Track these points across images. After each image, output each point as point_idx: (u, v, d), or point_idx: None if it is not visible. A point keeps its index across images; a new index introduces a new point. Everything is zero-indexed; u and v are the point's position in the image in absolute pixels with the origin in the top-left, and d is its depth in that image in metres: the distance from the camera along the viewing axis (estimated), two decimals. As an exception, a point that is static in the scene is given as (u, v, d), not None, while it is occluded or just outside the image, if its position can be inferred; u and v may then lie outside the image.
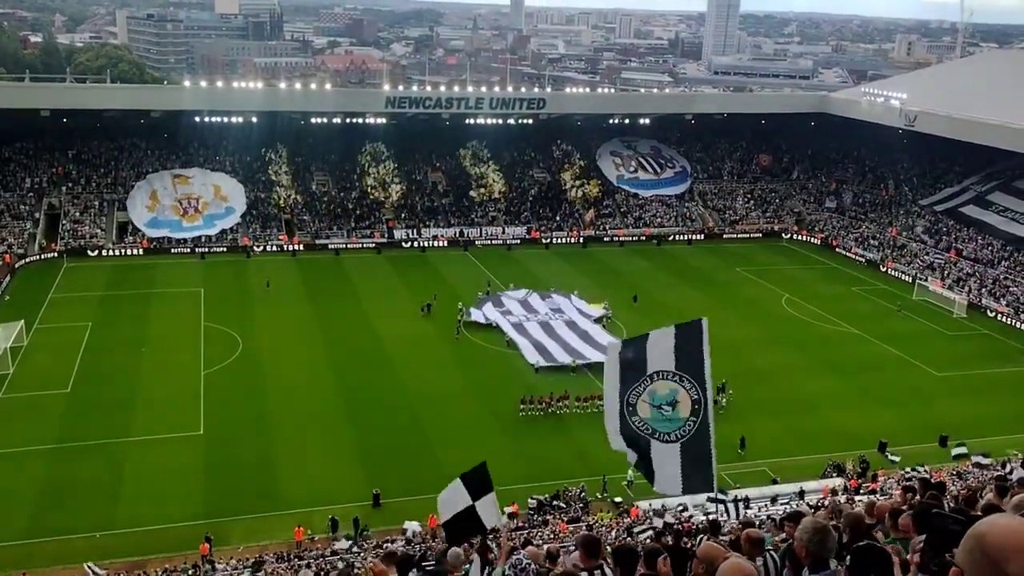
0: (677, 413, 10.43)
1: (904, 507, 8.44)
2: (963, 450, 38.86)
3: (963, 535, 2.31)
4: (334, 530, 32.61)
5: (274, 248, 70.98)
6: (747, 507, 32.12)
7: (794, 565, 5.87)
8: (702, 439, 10.40)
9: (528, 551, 10.10)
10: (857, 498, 26.83)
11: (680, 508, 32.16)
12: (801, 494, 33.93)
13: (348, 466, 37.61)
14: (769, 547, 8.20)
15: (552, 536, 28.61)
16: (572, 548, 11.03)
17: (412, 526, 32.26)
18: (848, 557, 4.87)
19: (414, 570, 8.90)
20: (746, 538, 7.71)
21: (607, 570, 7.08)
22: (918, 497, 10.08)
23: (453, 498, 9.71)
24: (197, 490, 35.34)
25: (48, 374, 45.52)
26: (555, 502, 34.88)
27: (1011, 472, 28.91)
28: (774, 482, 36.39)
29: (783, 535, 10.04)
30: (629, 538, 25.60)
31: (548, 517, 33.67)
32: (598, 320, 56.01)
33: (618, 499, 35.30)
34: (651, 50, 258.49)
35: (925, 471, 34.25)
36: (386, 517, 33.62)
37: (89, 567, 29.25)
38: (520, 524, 32.36)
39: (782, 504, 32.12)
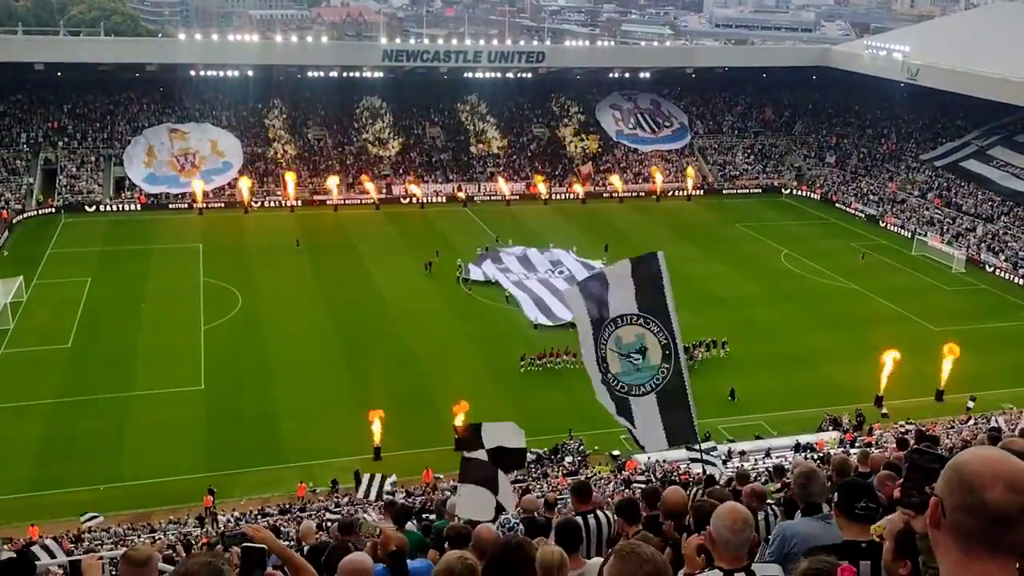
0: (647, 362, 9.82)
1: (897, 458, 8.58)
2: (972, 404, 39.25)
3: (938, 470, 2.34)
4: (357, 483, 32.66)
5: (272, 203, 70.70)
6: (743, 460, 32.47)
7: (790, 510, 6.01)
8: (677, 387, 9.83)
9: (526, 499, 10.26)
10: (852, 450, 27.13)
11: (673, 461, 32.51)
12: (797, 447, 34.29)
13: (349, 420, 37.90)
14: (770, 501, 8.34)
15: (550, 489, 28.96)
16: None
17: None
18: (836, 493, 4.98)
19: (413, 519, 9.04)
20: (750, 492, 7.84)
21: (600, 514, 7.25)
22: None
23: (494, 434, 9.72)
24: (199, 444, 35.70)
25: (49, 329, 45.68)
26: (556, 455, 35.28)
27: (993, 423, 29.22)
28: (757, 438, 36.82)
29: (778, 485, 10.21)
30: (627, 490, 25.96)
31: (547, 470, 34.06)
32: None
33: (616, 452, 35.66)
34: (652, 2, 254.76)
35: (907, 426, 34.56)
36: (387, 469, 33.98)
37: (85, 518, 29.58)
38: (518, 476, 32.73)
39: (777, 457, 32.46)
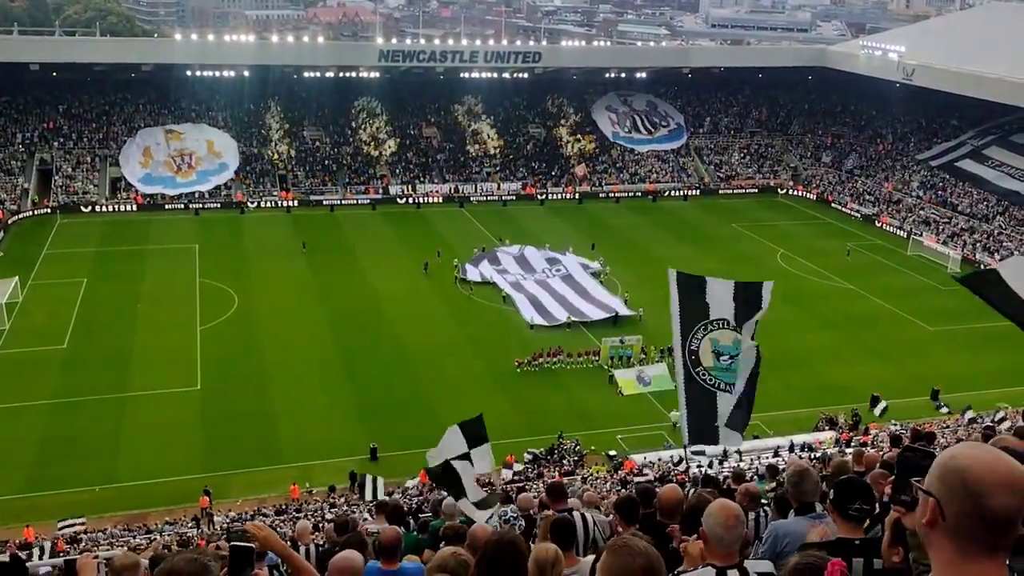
0: (737, 365, 10.56)
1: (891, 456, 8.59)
2: (945, 409, 39.34)
3: (928, 467, 2.35)
4: (352, 483, 32.82)
5: (268, 204, 70.65)
6: (740, 460, 32.50)
7: (783, 509, 6.03)
8: (751, 387, 10.65)
9: (521, 498, 10.29)
10: (848, 450, 27.17)
11: (676, 460, 32.55)
12: (791, 448, 34.32)
13: (345, 420, 37.91)
14: (764, 501, 8.36)
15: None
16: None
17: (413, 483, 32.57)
18: (832, 491, 5.00)
19: (410, 518, 9.06)
20: (744, 492, 7.88)
21: (576, 513, 7.34)
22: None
23: (449, 444, 9.95)
24: (195, 444, 35.66)
25: (44, 330, 45.59)
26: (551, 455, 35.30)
27: (976, 421, 29.26)
28: (755, 437, 36.81)
29: (772, 485, 10.24)
30: (624, 490, 25.97)
31: (543, 470, 34.08)
32: (595, 274, 56.05)
33: (612, 452, 35.68)
34: (648, 2, 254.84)
35: (897, 426, 34.60)
36: (383, 470, 33.97)
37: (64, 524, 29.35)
38: (514, 476, 32.76)
39: (774, 457, 32.49)
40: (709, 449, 32.39)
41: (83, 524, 29.53)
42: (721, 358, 10.52)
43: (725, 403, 10.56)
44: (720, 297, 10.49)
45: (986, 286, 5.57)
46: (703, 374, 10.55)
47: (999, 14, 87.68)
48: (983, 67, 65.83)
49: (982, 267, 61.18)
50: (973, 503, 2.19)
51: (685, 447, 12.16)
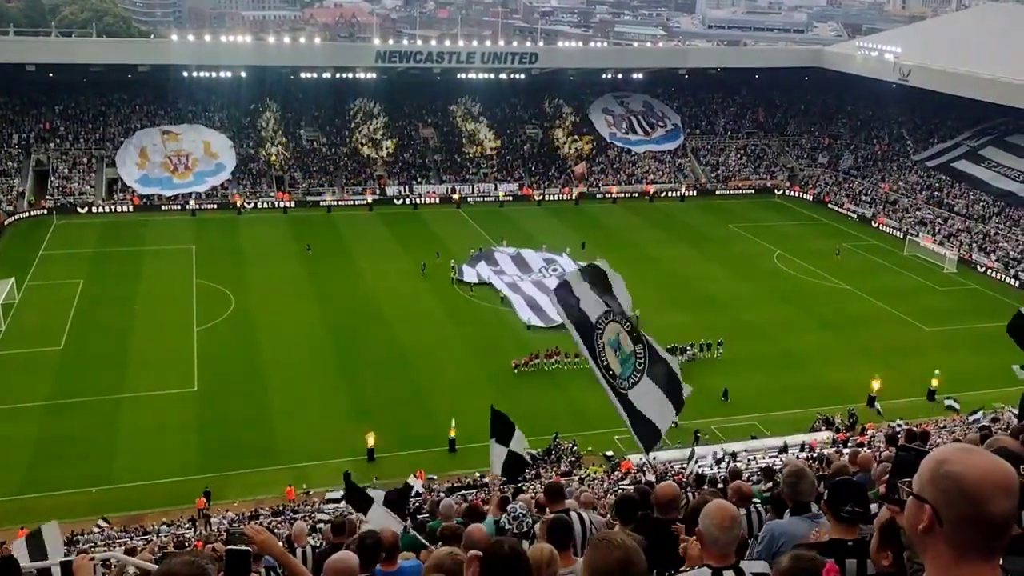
0: (624, 352, 10.08)
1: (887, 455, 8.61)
2: (954, 404, 39.41)
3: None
4: (347, 483, 32.72)
5: (265, 205, 70.60)
6: (735, 460, 32.51)
7: (779, 509, 6.04)
8: (654, 356, 10.07)
9: (521, 499, 10.32)
10: (845, 450, 27.20)
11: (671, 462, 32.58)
12: (784, 448, 34.33)
13: (342, 421, 37.88)
14: (756, 500, 8.38)
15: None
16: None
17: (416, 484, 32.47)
18: (826, 491, 5.02)
19: (408, 520, 9.07)
20: (735, 490, 7.90)
21: (572, 513, 7.34)
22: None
23: (496, 455, 10.38)
24: (192, 446, 35.61)
25: (41, 331, 45.52)
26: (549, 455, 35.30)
27: (977, 421, 29.28)
28: (752, 438, 36.89)
29: (768, 485, 10.25)
30: (621, 490, 25.97)
31: (541, 471, 34.06)
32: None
33: (609, 453, 35.70)
34: (644, 3, 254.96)
35: (900, 425, 34.67)
36: (380, 471, 33.96)
37: (100, 522, 29.42)
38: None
39: (770, 457, 32.52)
40: (701, 449, 32.53)
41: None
42: (617, 352, 10.09)
43: (641, 393, 10.00)
44: (581, 291, 10.10)
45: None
46: (621, 383, 10.09)
47: (995, 15, 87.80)
48: (979, 68, 65.96)
49: (978, 266, 61.29)
50: (973, 510, 2.19)
51: (644, 457, 11.91)
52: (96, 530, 29.11)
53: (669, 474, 29.27)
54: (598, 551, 3.55)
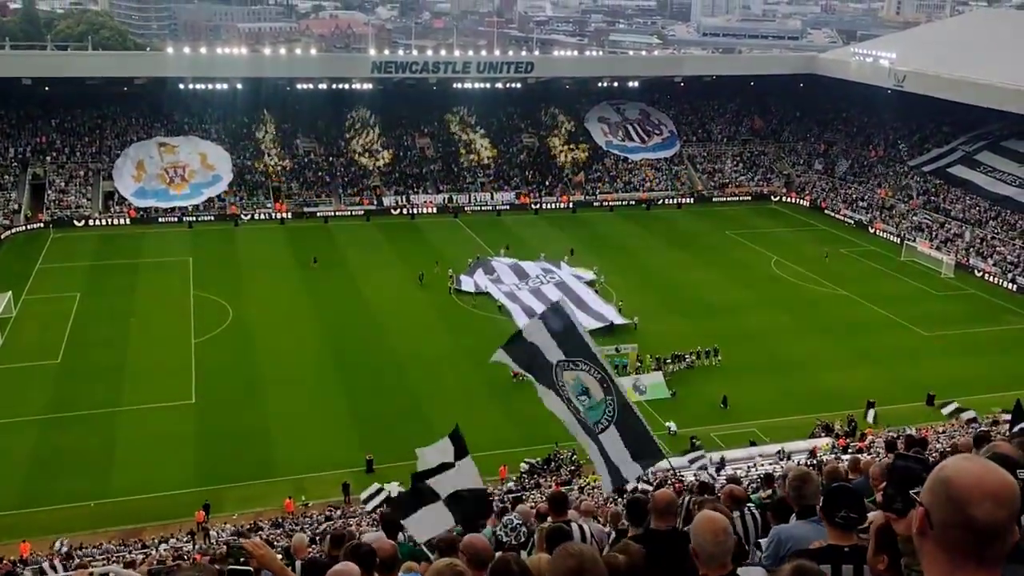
0: (593, 400, 9.91)
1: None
2: (955, 407, 39.39)
3: (920, 474, 2.36)
4: (346, 495, 32.72)
5: (262, 216, 70.62)
6: (735, 468, 32.46)
7: (783, 513, 6.02)
8: (629, 413, 9.92)
9: (519, 509, 10.28)
10: (844, 457, 27.16)
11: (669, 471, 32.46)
12: (782, 455, 34.27)
13: (341, 432, 37.80)
14: (751, 504, 8.36)
15: (544, 499, 28.90)
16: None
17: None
18: (822, 498, 5.01)
19: (401, 533, 9.03)
20: (727, 494, 7.89)
21: (573, 525, 7.33)
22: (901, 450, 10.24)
23: (436, 453, 9.79)
24: (190, 458, 35.51)
25: (38, 345, 45.43)
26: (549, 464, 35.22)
27: (973, 423, 29.25)
28: (751, 444, 36.86)
29: (768, 492, 10.22)
30: (620, 500, 25.90)
31: (540, 480, 34.00)
32: (590, 283, 56.05)
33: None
34: (639, 11, 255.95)
35: (893, 432, 34.64)
36: (379, 482, 33.86)
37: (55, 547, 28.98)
38: (512, 488, 32.69)
39: (769, 465, 32.47)
40: (700, 457, 32.39)
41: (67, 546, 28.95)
42: (581, 398, 9.92)
43: (608, 441, 9.83)
44: (542, 340, 9.83)
45: None
46: (596, 425, 9.92)
47: (989, 20, 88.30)
48: (974, 73, 66.20)
49: (975, 271, 61.41)
50: (957, 512, 2.21)
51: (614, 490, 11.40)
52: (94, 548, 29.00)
53: (669, 482, 29.18)
54: (555, 559, 3.70)
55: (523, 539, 7.52)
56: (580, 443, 10.07)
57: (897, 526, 3.04)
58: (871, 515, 4.59)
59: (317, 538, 25.45)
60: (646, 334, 47.84)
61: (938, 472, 2.29)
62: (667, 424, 37.38)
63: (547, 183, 78.93)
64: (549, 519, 8.43)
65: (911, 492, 2.48)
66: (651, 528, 6.23)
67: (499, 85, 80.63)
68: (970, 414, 37.43)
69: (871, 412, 39.91)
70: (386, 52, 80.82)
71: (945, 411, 39.48)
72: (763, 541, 6.05)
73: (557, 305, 10.02)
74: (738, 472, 29.85)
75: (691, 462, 30.76)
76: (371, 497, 30.83)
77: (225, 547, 20.67)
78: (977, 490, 2.20)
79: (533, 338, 9.79)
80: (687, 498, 11.19)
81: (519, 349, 9.91)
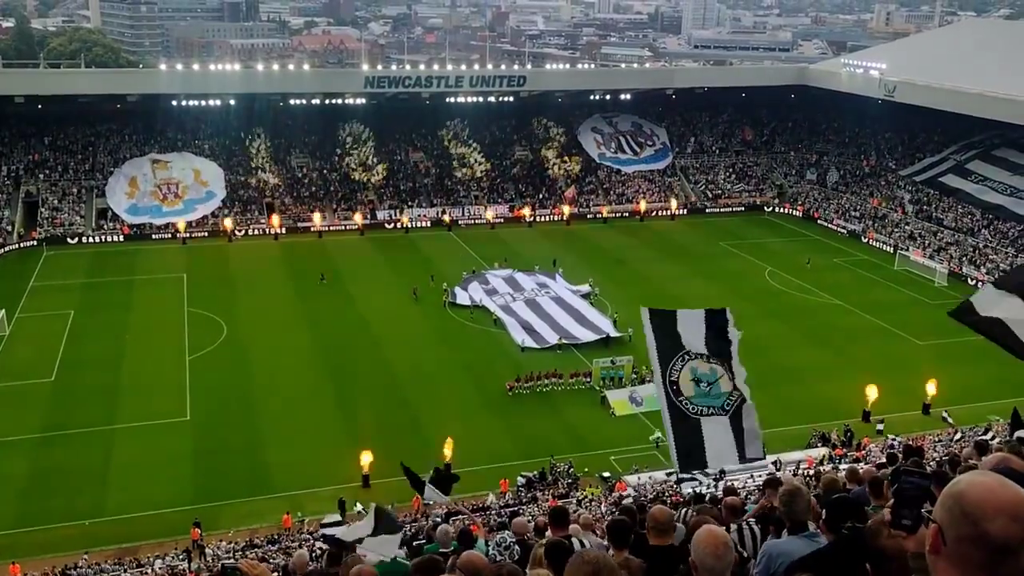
0: (719, 388, 10.80)
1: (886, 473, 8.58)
2: (947, 417, 39.45)
3: (927, 489, 2.34)
4: (342, 511, 32.53)
5: (256, 232, 70.55)
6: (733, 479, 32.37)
7: (776, 527, 5.99)
8: (747, 412, 10.81)
9: (516, 523, 10.23)
10: (842, 467, 27.14)
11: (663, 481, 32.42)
12: (778, 465, 34.19)
13: (336, 448, 37.63)
14: (749, 515, 8.32)
15: (541, 513, 28.80)
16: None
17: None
18: (824, 510, 4.99)
19: (404, 547, 8.99)
20: (726, 506, 7.85)
21: (575, 540, 7.24)
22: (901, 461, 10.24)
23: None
24: (185, 476, 35.32)
25: (31, 363, 45.22)
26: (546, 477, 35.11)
27: (961, 438, 29.28)
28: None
29: (763, 501, 10.18)
30: (617, 511, 25.82)
31: (537, 494, 33.90)
32: (585, 296, 56.07)
33: (606, 474, 35.54)
34: (631, 25, 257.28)
35: (896, 440, 34.63)
36: (375, 498, 33.68)
37: None
38: (509, 500, 32.58)
39: (766, 475, 32.38)
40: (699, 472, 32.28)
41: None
42: (701, 384, 10.78)
43: (712, 427, 10.71)
44: (692, 328, 10.84)
45: (964, 315, 5.66)
46: (685, 403, 10.77)
47: (978, 30, 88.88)
48: (964, 82, 66.57)
49: (968, 279, 61.58)
50: (972, 529, 2.17)
51: (677, 475, 12.45)
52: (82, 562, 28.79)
53: (667, 494, 29.11)
54: (572, 566, 3.70)
55: (515, 557, 7.46)
56: (664, 423, 10.99)
57: (907, 543, 3.01)
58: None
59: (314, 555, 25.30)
60: (641, 346, 47.69)
61: (951, 488, 2.25)
62: (652, 437, 37.10)
63: (540, 196, 79.04)
64: (548, 533, 8.38)
65: (923, 511, 2.45)
66: (650, 545, 6.17)
67: (492, 99, 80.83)
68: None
69: (879, 425, 39.79)
70: (379, 67, 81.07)
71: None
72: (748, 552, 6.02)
73: (723, 314, 11.08)
74: (735, 483, 29.78)
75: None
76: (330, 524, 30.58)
77: (220, 567, 20.50)
78: (991, 505, 2.16)
79: (683, 321, 10.85)
80: (683, 511, 11.15)
81: (666, 320, 10.93)
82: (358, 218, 71.98)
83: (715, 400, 10.76)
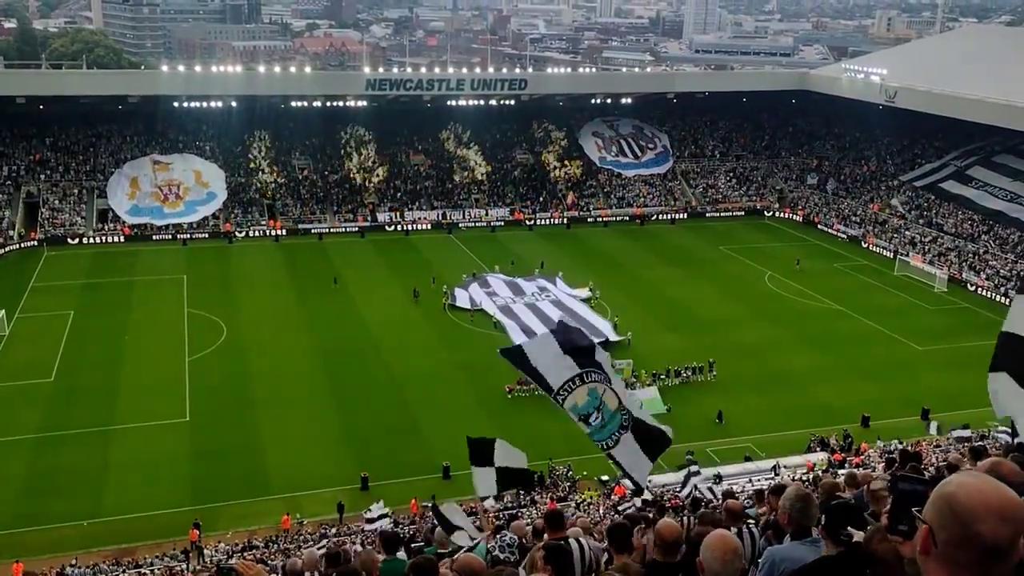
0: (608, 411, 10.00)
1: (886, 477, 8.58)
2: (937, 424, 39.42)
3: (926, 495, 2.35)
4: (340, 514, 32.53)
5: (257, 233, 70.58)
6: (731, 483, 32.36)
7: (777, 533, 5.99)
8: (641, 420, 10.15)
9: (514, 526, 10.25)
10: (840, 472, 27.11)
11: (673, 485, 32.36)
12: (775, 469, 34.19)
13: (335, 450, 37.65)
14: (751, 520, 8.32)
15: (539, 515, 28.78)
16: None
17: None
18: (823, 516, 4.99)
19: (402, 548, 8.99)
20: (726, 509, 7.85)
21: (572, 542, 7.21)
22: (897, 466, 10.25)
23: (480, 478, 10.52)
24: (184, 477, 35.31)
25: (31, 363, 45.22)
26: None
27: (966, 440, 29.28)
28: (747, 459, 36.79)
29: (765, 508, 10.18)
30: (616, 515, 25.81)
31: (535, 496, 33.87)
32: (585, 300, 56.07)
33: (604, 477, 35.53)
34: (632, 29, 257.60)
35: (898, 444, 34.62)
36: (374, 500, 33.69)
37: None
38: (508, 503, 32.55)
39: (765, 480, 32.40)
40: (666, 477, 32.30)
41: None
42: (591, 420, 9.98)
43: (622, 452, 10.07)
44: (548, 358, 9.90)
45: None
46: (604, 442, 10.15)
47: (979, 36, 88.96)
48: (964, 88, 66.61)
49: (968, 285, 61.56)
50: (963, 531, 2.17)
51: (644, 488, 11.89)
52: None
53: (665, 497, 29.07)
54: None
55: (517, 556, 7.46)
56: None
57: (903, 549, 3.02)
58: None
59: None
60: (640, 349, 47.83)
61: (941, 489, 2.26)
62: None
63: (541, 199, 79.09)
64: (545, 536, 8.38)
65: (914, 510, 2.46)
66: (653, 560, 6.08)
67: (493, 102, 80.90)
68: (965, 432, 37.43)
69: (933, 425, 39.44)
70: (380, 70, 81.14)
71: (931, 430, 39.34)
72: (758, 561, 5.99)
73: (563, 323, 10.34)
74: (734, 487, 29.78)
75: (687, 477, 30.65)
76: (378, 518, 30.52)
77: (216, 568, 20.53)
78: (982, 506, 2.17)
79: (537, 357, 9.87)
80: (685, 517, 11.15)
81: (523, 360, 10.02)
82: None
83: (612, 426, 10.05)
